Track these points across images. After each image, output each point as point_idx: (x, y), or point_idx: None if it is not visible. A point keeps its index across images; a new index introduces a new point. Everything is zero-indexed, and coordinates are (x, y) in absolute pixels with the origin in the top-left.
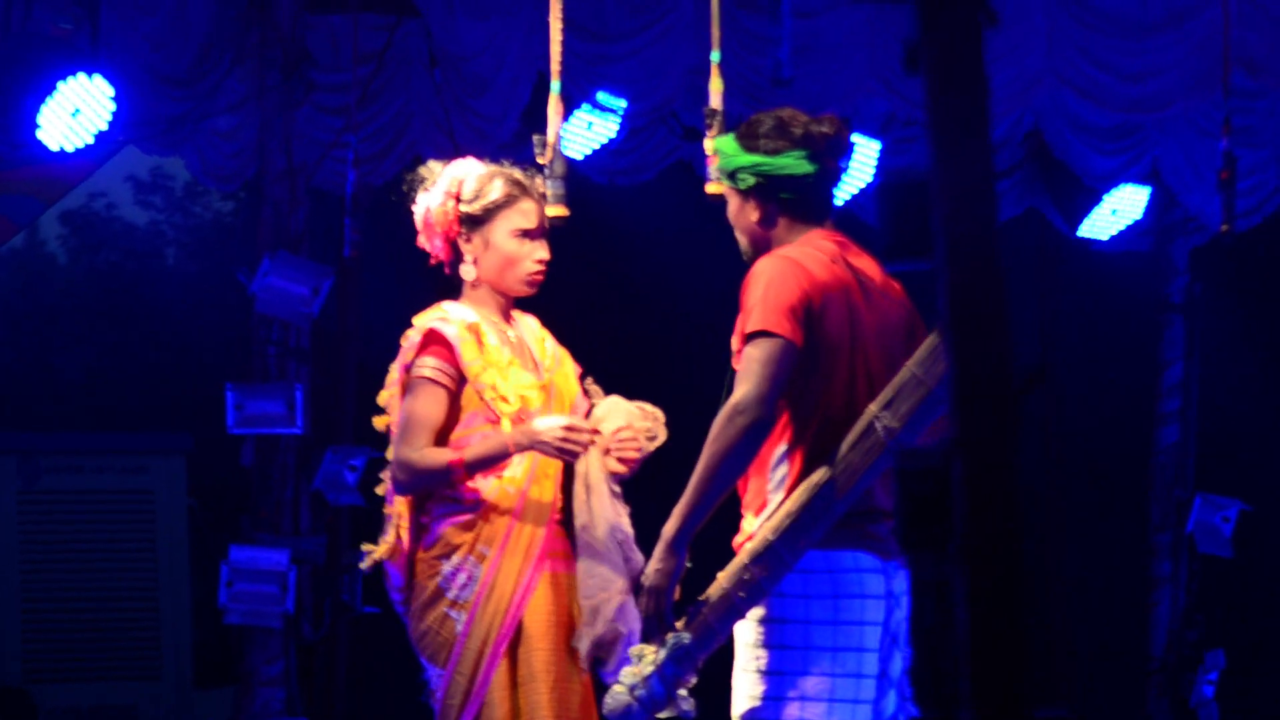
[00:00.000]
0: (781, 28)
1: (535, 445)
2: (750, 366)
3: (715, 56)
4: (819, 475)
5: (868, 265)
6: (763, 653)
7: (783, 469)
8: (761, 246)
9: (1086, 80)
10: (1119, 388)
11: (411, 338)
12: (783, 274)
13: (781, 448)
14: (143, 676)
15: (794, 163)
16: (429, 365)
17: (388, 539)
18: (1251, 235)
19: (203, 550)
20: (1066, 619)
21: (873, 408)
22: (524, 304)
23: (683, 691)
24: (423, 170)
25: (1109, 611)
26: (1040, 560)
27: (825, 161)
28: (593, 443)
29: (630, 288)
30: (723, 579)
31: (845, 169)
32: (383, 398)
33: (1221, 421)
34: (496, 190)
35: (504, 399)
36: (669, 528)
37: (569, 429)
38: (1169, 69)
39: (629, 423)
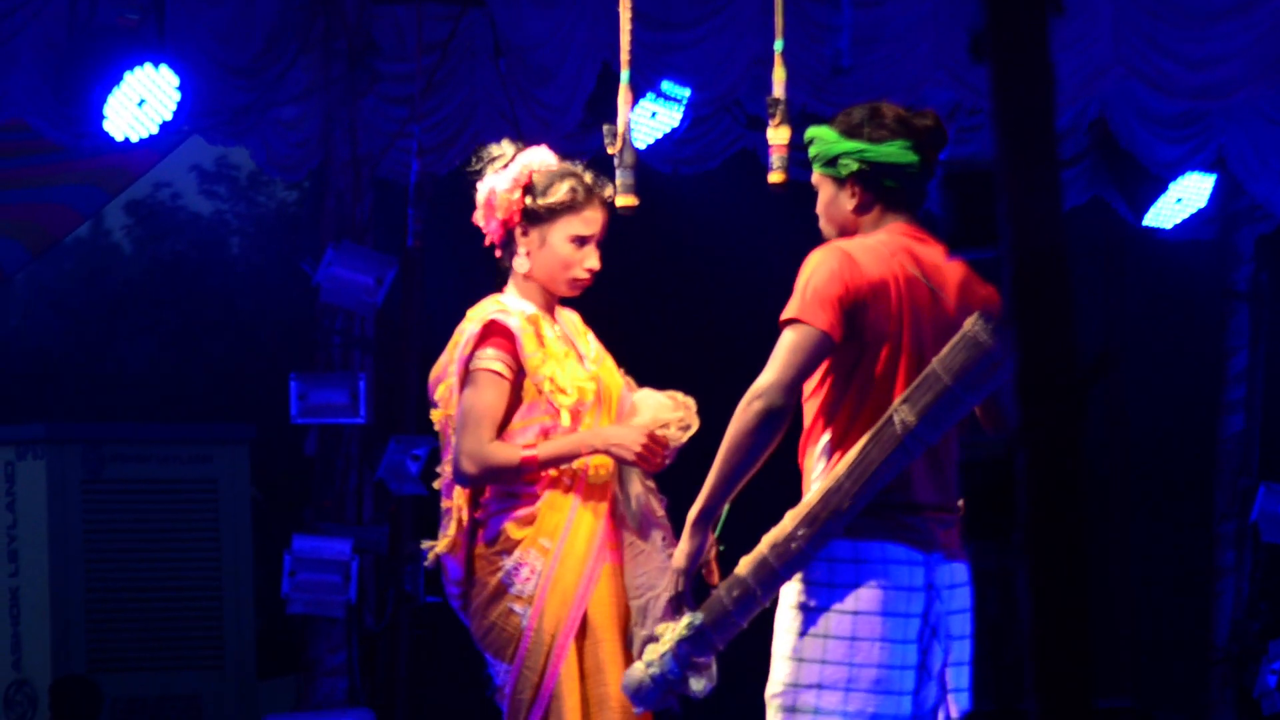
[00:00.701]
0: (842, 17)
1: (610, 450)
2: (778, 353)
3: (779, 46)
4: (839, 466)
5: (944, 264)
6: (789, 638)
7: (823, 461)
8: (849, 235)
9: (1153, 69)
10: (1183, 376)
11: (468, 330)
12: (828, 265)
13: (825, 438)
14: (206, 666)
15: (898, 152)
16: (490, 356)
17: (448, 533)
18: None
19: (266, 540)
20: (1130, 608)
21: (896, 401)
22: (587, 294)
23: (708, 672)
24: (495, 148)
25: (1173, 601)
26: (1104, 549)
27: (927, 153)
28: (667, 449)
29: (693, 275)
30: (744, 565)
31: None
32: (440, 391)
33: None
34: (562, 192)
35: (562, 390)
36: (692, 509)
37: (652, 437)
38: (1236, 56)
39: (656, 416)
